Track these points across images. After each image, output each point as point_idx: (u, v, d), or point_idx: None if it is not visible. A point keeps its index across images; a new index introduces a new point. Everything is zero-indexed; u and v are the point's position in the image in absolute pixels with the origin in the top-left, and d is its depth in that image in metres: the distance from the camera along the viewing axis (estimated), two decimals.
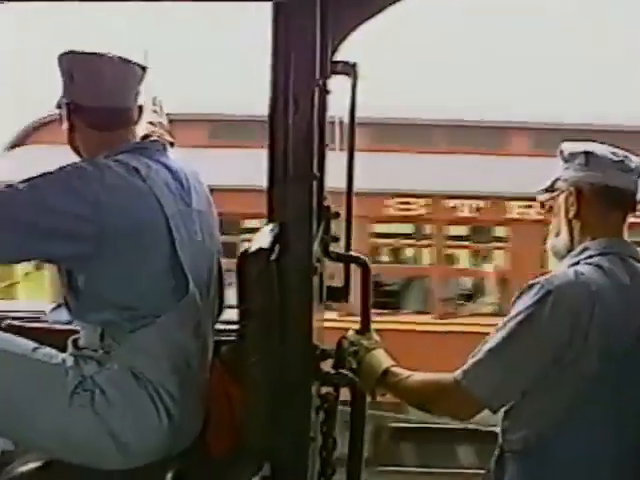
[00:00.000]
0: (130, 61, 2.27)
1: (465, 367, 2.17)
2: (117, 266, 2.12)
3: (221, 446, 2.22)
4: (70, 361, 2.18)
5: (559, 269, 2.25)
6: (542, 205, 2.35)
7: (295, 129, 1.81)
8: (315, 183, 1.92)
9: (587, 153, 2.26)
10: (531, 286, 2.16)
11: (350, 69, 2.39)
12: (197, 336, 2.25)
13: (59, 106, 2.29)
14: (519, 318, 2.13)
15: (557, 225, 2.31)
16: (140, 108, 2.33)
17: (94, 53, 2.25)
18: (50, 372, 2.16)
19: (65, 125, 2.28)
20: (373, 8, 2.23)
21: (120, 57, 2.26)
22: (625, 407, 2.14)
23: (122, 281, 2.14)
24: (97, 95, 2.23)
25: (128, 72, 2.27)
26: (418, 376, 2.27)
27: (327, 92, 2.32)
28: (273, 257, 1.84)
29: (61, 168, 2.14)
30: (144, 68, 2.30)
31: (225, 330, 2.39)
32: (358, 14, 2.25)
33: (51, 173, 2.13)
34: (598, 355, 2.09)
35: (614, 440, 2.14)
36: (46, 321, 2.64)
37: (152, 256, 2.16)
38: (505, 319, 2.17)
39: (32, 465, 2.26)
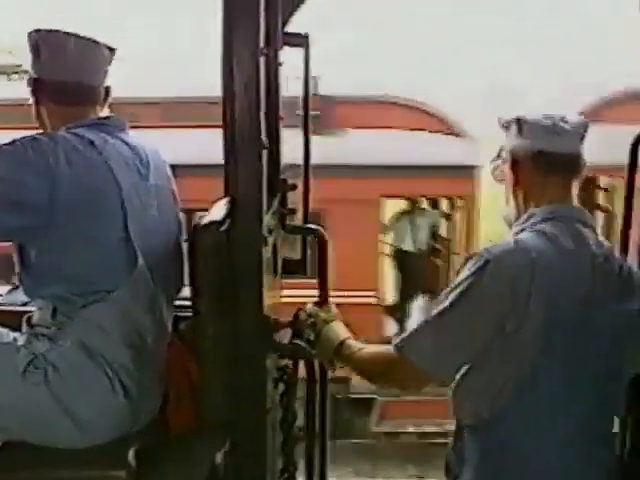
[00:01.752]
0: (98, 41, 2.28)
1: (404, 335, 2.14)
2: (69, 239, 2.10)
3: (182, 422, 2.21)
4: (21, 340, 2.16)
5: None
6: (493, 174, 2.34)
7: (240, 98, 1.79)
8: (266, 153, 1.91)
9: (518, 120, 2.25)
10: (472, 256, 2.14)
11: (302, 40, 2.38)
12: (151, 311, 2.23)
13: (28, 83, 2.30)
14: (459, 289, 2.10)
15: (506, 194, 2.30)
16: (107, 89, 2.33)
17: (61, 31, 2.26)
18: (1, 351, 2.14)
19: (32, 99, 2.29)
20: None
21: (86, 36, 2.27)
22: (574, 378, 2.11)
23: (74, 254, 2.11)
24: (62, 70, 2.24)
25: (95, 51, 2.28)
26: (369, 349, 2.25)
27: (279, 63, 2.31)
28: (223, 229, 1.83)
29: (15, 140, 2.13)
30: (112, 50, 2.31)
31: (183, 306, 2.38)
32: None
33: (5, 144, 2.12)
34: (542, 323, 2.05)
35: (563, 412, 2.12)
36: (1, 303, 2.62)
37: (104, 229, 2.14)
38: (446, 290, 2.15)
39: None
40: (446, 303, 2.11)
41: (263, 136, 1.87)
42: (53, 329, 2.15)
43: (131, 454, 2.19)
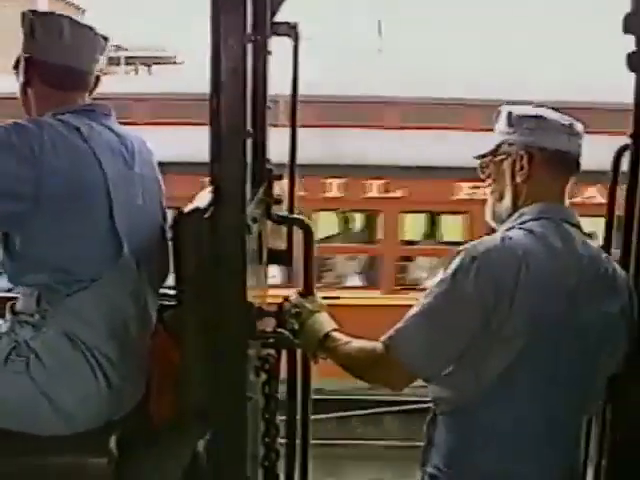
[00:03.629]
0: (93, 28, 2.28)
1: (391, 332, 2.13)
2: (53, 226, 2.09)
3: (164, 410, 2.21)
4: (4, 327, 2.16)
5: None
6: (482, 171, 2.31)
7: (226, 85, 1.79)
8: (250, 142, 1.90)
9: (538, 117, 2.24)
10: (459, 253, 2.13)
11: (291, 30, 2.37)
12: (136, 300, 2.23)
13: (17, 63, 2.29)
14: (444, 285, 2.10)
15: (499, 190, 2.27)
16: (97, 78, 2.33)
17: (57, 13, 2.28)
18: None
19: (21, 79, 2.28)
20: None
21: (81, 20, 2.28)
22: (556, 376, 2.11)
23: (58, 242, 2.11)
24: (55, 52, 2.24)
25: (90, 37, 2.28)
26: (355, 343, 2.23)
27: (268, 52, 2.31)
28: (207, 216, 1.82)
29: (1, 126, 2.11)
30: (106, 39, 2.31)
31: (167, 295, 2.38)
32: None
33: None
34: (527, 320, 2.05)
35: (542, 410, 2.12)
36: None
37: (89, 217, 2.14)
38: (432, 285, 2.14)
39: None
40: (432, 300, 2.10)
41: (248, 124, 1.86)
42: (37, 317, 2.14)
43: (112, 442, 2.19)
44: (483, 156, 2.30)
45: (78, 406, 2.14)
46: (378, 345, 2.15)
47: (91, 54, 2.29)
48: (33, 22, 2.25)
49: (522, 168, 2.23)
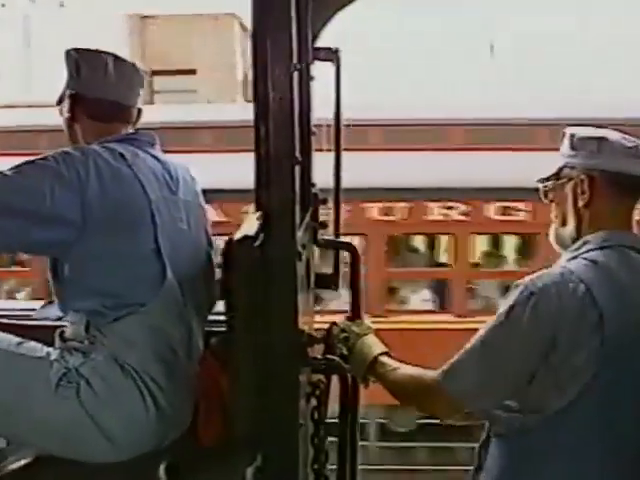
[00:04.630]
0: (134, 64, 2.38)
1: (445, 367, 2.12)
2: (100, 251, 2.12)
3: (212, 437, 2.21)
4: (55, 354, 2.17)
5: (554, 266, 2.17)
6: (545, 194, 2.26)
7: (274, 114, 1.80)
8: (298, 168, 1.91)
9: (600, 139, 2.18)
10: (517, 286, 2.09)
11: (333, 55, 2.38)
12: (182, 325, 2.24)
13: (60, 99, 2.36)
14: (501, 319, 2.07)
15: (562, 214, 2.22)
16: (139, 111, 2.40)
17: (100, 50, 2.36)
18: (34, 365, 2.15)
19: (67, 115, 2.35)
20: None
21: (125, 58, 2.37)
22: (620, 407, 2.06)
23: (105, 267, 2.13)
24: (101, 88, 2.32)
25: (133, 72, 2.37)
26: (405, 370, 2.21)
27: (311, 78, 2.32)
28: (257, 244, 1.83)
29: (49, 155, 2.17)
30: (145, 73, 2.42)
31: (215, 321, 2.38)
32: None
33: (38, 158, 2.16)
34: (592, 354, 2.00)
35: (600, 435, 2.07)
36: (35, 319, 2.63)
37: (134, 241, 2.16)
38: (490, 320, 2.11)
39: (24, 461, 2.25)
40: (488, 335, 2.08)
41: (297, 152, 1.87)
42: (86, 343, 2.16)
43: (162, 469, 2.20)
44: (547, 179, 2.25)
45: (127, 431, 2.15)
46: (430, 375, 2.14)
47: (133, 88, 2.37)
48: (78, 61, 2.33)
49: (584, 192, 2.17)
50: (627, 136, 2.21)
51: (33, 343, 2.20)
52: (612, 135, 2.20)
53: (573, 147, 2.21)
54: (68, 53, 2.35)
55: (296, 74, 1.88)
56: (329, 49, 2.37)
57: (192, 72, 17.00)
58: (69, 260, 2.15)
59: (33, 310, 2.73)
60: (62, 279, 2.19)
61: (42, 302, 2.76)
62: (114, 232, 2.13)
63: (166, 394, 2.17)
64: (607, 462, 2.09)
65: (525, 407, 2.10)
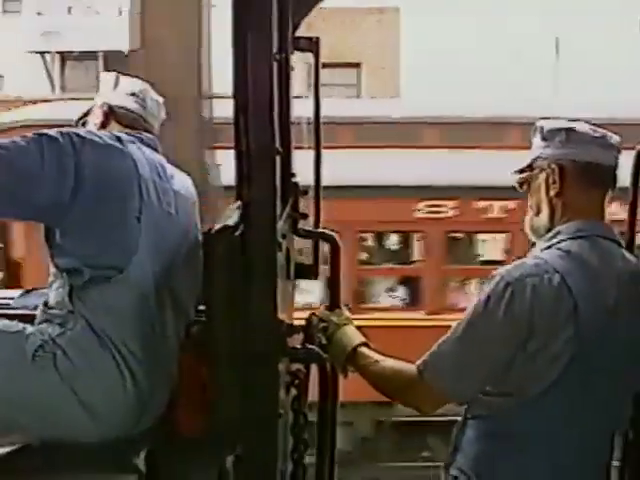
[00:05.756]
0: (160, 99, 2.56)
1: (424, 359, 2.15)
2: (89, 216, 2.17)
3: (191, 426, 2.22)
4: (30, 328, 2.20)
5: (528, 255, 2.22)
6: (521, 185, 2.31)
7: (253, 104, 1.79)
8: (278, 158, 1.91)
9: (568, 130, 2.23)
10: (493, 277, 2.13)
11: (313, 45, 2.38)
12: (161, 305, 2.27)
13: (87, 113, 2.52)
14: (478, 310, 2.10)
15: (536, 204, 2.27)
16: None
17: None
18: (9, 339, 2.18)
19: (97, 122, 2.46)
20: None
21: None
22: (595, 391, 2.11)
23: (91, 231, 2.18)
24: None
25: (159, 104, 2.56)
26: (386, 363, 2.24)
27: (291, 68, 2.31)
28: (237, 234, 1.83)
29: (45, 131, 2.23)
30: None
31: (196, 310, 2.39)
32: None
33: (37, 132, 2.21)
34: (568, 341, 2.05)
35: (576, 418, 2.12)
36: (13, 307, 2.62)
37: (123, 209, 2.22)
38: (468, 309, 2.14)
39: (8, 448, 2.24)
40: (465, 325, 2.11)
41: (277, 142, 1.87)
42: (65, 311, 2.19)
43: (140, 458, 2.20)
44: (522, 171, 2.30)
45: (102, 399, 2.16)
46: (411, 368, 2.16)
47: (158, 115, 2.55)
48: (118, 77, 2.51)
49: (554, 182, 2.22)
50: (594, 126, 2.25)
51: (7, 321, 2.24)
52: (580, 126, 2.25)
53: (544, 138, 2.26)
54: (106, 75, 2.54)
55: (276, 65, 1.87)
56: (309, 39, 2.37)
57: (357, 66, 16.81)
58: (61, 226, 2.20)
59: (11, 299, 2.72)
60: (54, 245, 2.22)
61: (20, 290, 2.75)
62: (104, 199, 2.18)
63: (143, 366, 2.20)
64: (583, 446, 2.14)
65: (502, 391, 2.14)
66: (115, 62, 15.20)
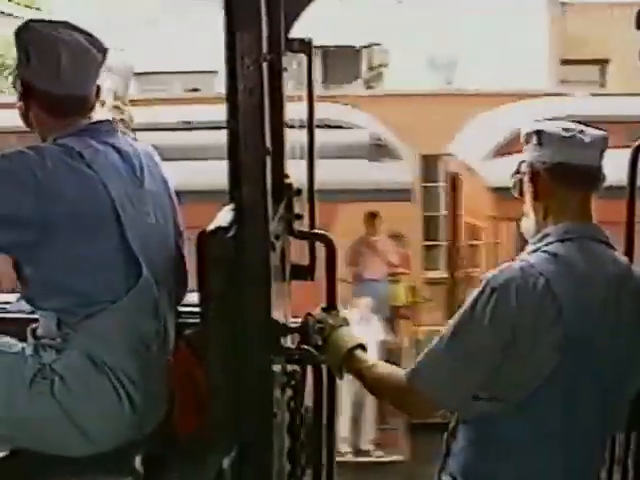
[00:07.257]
0: (90, 47, 2.19)
1: (414, 366, 2.15)
2: (64, 252, 2.08)
3: (188, 428, 2.21)
4: (29, 349, 2.16)
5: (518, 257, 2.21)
6: (513, 188, 2.29)
7: (244, 105, 1.80)
8: (269, 159, 1.91)
9: (538, 132, 2.20)
10: (481, 282, 2.12)
11: (305, 46, 2.38)
12: (155, 318, 2.23)
13: (14, 84, 2.23)
14: (465, 316, 2.10)
15: (525, 207, 2.26)
16: (97, 89, 2.26)
17: (53, 31, 2.16)
18: (9, 361, 2.15)
19: (19, 104, 2.23)
20: None
21: (80, 41, 2.18)
22: (581, 397, 2.10)
23: (69, 268, 2.10)
24: (53, 81, 2.15)
25: (88, 58, 2.19)
26: (379, 368, 2.25)
27: (283, 69, 2.31)
28: (230, 235, 1.83)
29: (2, 154, 2.11)
30: (105, 50, 2.23)
31: (189, 312, 2.38)
32: None
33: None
34: (553, 347, 2.04)
35: (565, 422, 2.11)
36: (10, 311, 2.62)
37: (100, 241, 2.12)
38: (455, 316, 2.13)
39: (7, 451, 2.24)
40: (452, 331, 2.11)
41: (267, 142, 1.87)
42: (58, 340, 2.15)
43: (138, 461, 2.20)
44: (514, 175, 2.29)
45: (102, 426, 2.15)
46: (402, 374, 2.17)
47: (90, 75, 2.22)
48: (28, 47, 2.16)
49: (530, 185, 2.21)
50: (572, 124, 2.21)
51: (7, 338, 2.20)
52: (550, 126, 2.21)
53: (526, 142, 2.25)
54: (18, 34, 2.16)
55: (266, 65, 1.88)
56: (302, 40, 2.37)
57: (605, 62, 16.14)
58: (29, 262, 2.12)
59: (8, 303, 2.72)
60: (28, 279, 2.15)
61: (17, 295, 2.75)
62: (76, 233, 2.08)
63: (140, 389, 2.17)
64: (569, 451, 2.13)
65: (491, 396, 2.13)
66: None
